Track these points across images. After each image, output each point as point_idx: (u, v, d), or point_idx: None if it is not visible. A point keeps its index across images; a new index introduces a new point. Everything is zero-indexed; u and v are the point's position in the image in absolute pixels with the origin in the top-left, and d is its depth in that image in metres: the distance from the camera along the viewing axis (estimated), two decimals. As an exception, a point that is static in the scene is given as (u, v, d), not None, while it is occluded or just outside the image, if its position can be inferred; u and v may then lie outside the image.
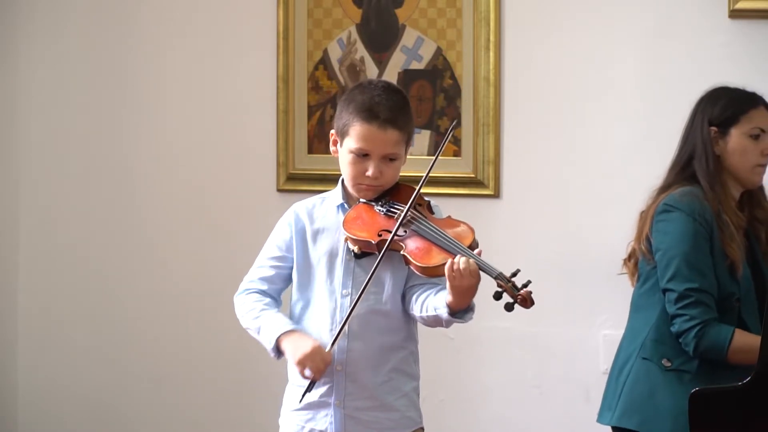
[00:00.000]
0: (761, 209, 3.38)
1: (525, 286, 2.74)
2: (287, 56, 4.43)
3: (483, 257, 2.79)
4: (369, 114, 2.92)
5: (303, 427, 3.01)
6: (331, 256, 2.99)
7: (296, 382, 3.03)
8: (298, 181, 4.43)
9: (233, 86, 4.55)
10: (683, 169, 3.35)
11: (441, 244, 2.83)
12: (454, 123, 2.97)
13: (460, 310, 2.83)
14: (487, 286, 2.80)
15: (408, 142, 3.01)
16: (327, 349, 2.88)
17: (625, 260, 3.42)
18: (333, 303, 2.96)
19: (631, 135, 4.11)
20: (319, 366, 2.85)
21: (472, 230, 2.87)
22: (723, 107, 3.33)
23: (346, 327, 2.90)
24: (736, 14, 3.97)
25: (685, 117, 3.93)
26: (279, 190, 4.47)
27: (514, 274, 2.75)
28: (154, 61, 4.63)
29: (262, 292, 3.04)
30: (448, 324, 2.87)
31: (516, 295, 2.73)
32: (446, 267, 2.76)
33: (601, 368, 3.46)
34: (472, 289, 2.78)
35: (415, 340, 3.05)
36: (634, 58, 4.11)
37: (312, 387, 2.90)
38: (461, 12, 4.26)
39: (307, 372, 2.86)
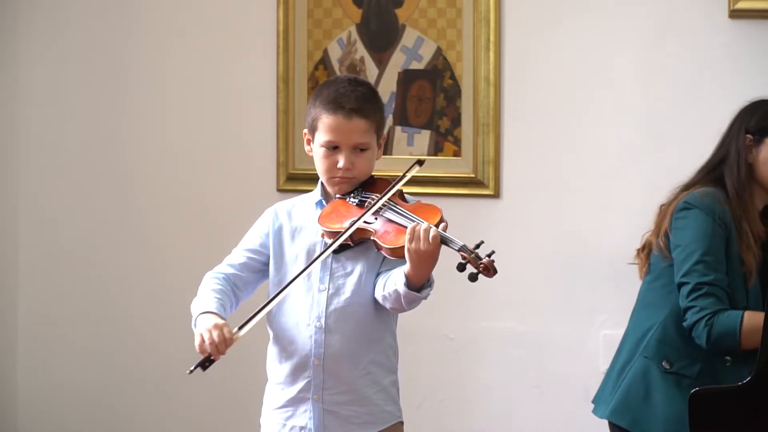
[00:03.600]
0: None
1: (488, 256, 2.74)
2: (287, 56, 4.44)
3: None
4: (334, 105, 2.96)
5: (284, 425, 3.02)
6: (309, 253, 3.00)
7: (275, 380, 3.05)
8: (298, 181, 4.43)
9: (233, 86, 4.55)
10: (710, 171, 3.35)
11: (406, 225, 2.84)
12: (414, 162, 3.00)
13: (419, 284, 2.81)
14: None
15: (378, 132, 3.03)
16: (235, 331, 2.86)
17: (638, 250, 3.42)
18: (310, 298, 2.97)
19: (631, 135, 4.11)
20: (215, 339, 2.82)
21: (439, 209, 2.88)
22: (761, 116, 3.32)
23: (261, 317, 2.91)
24: (736, 14, 3.97)
25: (686, 116, 3.95)
26: (279, 190, 4.47)
27: (478, 246, 2.75)
28: (154, 61, 4.64)
29: (225, 278, 3.05)
30: (407, 301, 2.84)
31: (478, 264, 2.73)
32: (408, 229, 2.77)
33: (601, 368, 3.46)
34: (430, 258, 2.77)
35: (393, 332, 3.05)
36: (634, 58, 4.11)
37: (206, 364, 2.86)
38: (461, 12, 4.26)
39: (205, 346, 2.83)
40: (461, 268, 2.75)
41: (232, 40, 4.55)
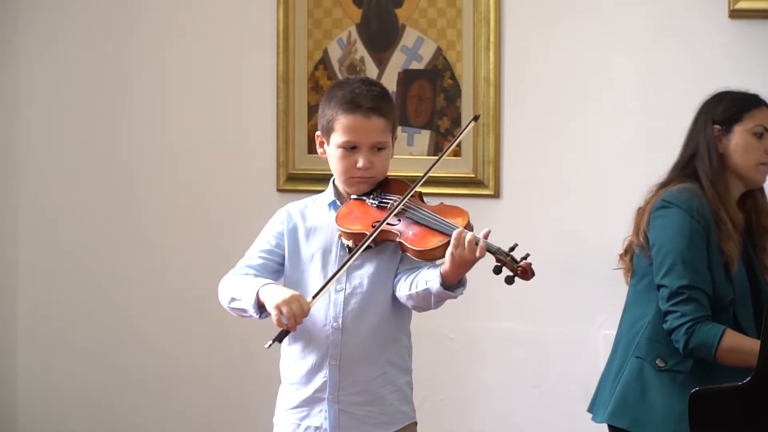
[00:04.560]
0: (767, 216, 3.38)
1: (524, 258, 2.75)
2: (287, 56, 4.44)
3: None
4: (352, 105, 2.95)
5: (299, 425, 3.01)
6: (325, 253, 3.00)
7: (289, 380, 3.04)
8: (298, 181, 4.44)
9: (233, 86, 4.55)
10: (684, 167, 3.35)
11: (436, 228, 2.85)
12: (473, 118, 3.01)
13: (453, 283, 2.82)
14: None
15: (393, 131, 3.03)
16: (310, 300, 2.85)
17: (621, 255, 3.41)
18: (327, 299, 2.96)
19: (631, 135, 4.12)
20: (294, 311, 2.80)
21: (466, 212, 2.89)
22: (726, 106, 3.33)
23: (333, 283, 2.89)
24: (736, 14, 3.97)
25: (686, 117, 3.94)
26: (279, 190, 4.47)
27: (512, 249, 2.77)
28: (154, 61, 4.64)
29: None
30: (437, 299, 2.84)
31: (516, 267, 2.74)
32: (453, 237, 2.76)
33: (601, 368, 3.46)
34: (470, 264, 2.78)
35: (408, 333, 3.06)
36: (634, 58, 4.11)
37: (283, 337, 2.84)
38: (461, 12, 4.26)
39: (283, 318, 2.81)
40: (497, 270, 2.76)
41: (232, 40, 4.55)
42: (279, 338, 2.84)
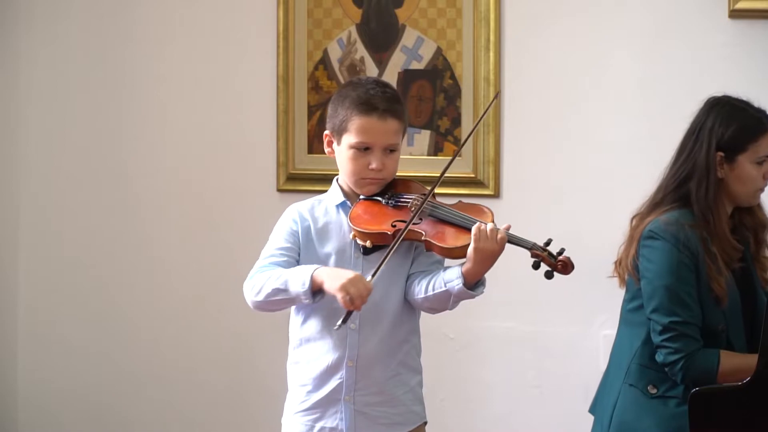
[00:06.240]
0: (750, 216, 3.32)
1: (560, 253, 2.79)
2: (287, 56, 4.44)
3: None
4: (367, 107, 2.94)
5: (312, 427, 3.00)
6: (340, 254, 2.98)
7: (301, 382, 3.02)
8: (298, 181, 4.44)
9: (233, 86, 4.55)
10: (678, 188, 3.26)
11: (463, 225, 2.85)
12: (496, 95, 2.96)
13: (473, 282, 2.83)
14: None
15: (404, 133, 3.04)
16: (369, 279, 2.82)
17: (615, 263, 3.36)
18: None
19: (631, 135, 4.12)
20: (361, 291, 2.77)
21: (488, 210, 2.92)
22: (734, 134, 3.22)
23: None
24: (736, 14, 3.97)
25: (686, 116, 3.93)
26: (279, 190, 4.47)
27: (548, 243, 2.81)
28: (154, 61, 4.64)
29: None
30: (455, 300, 2.85)
31: (555, 263, 2.78)
32: (473, 229, 2.78)
33: (601, 368, 3.46)
34: (494, 257, 2.81)
35: (418, 332, 3.07)
36: (634, 58, 4.11)
37: (348, 318, 2.81)
38: (461, 12, 4.26)
39: (349, 299, 2.77)
40: (536, 266, 2.81)
41: (232, 40, 4.55)
42: (345, 319, 2.81)
